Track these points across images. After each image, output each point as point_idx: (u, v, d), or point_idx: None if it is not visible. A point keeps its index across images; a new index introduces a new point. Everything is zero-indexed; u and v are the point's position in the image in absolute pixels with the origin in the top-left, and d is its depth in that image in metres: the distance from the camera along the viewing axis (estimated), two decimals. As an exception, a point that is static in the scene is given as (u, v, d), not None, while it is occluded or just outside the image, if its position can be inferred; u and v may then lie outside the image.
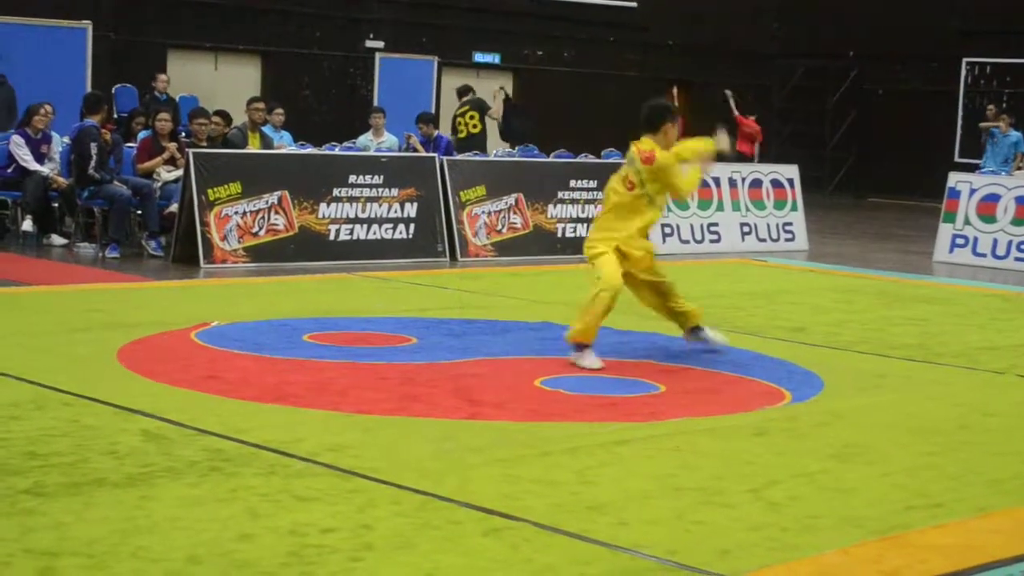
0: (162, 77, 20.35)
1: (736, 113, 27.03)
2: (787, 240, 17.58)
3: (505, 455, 6.12)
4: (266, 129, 15.53)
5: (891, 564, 4.85)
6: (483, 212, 15.02)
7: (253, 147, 14.60)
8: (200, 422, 6.49)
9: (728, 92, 25.98)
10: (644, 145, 8.63)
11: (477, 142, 18.41)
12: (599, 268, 8.49)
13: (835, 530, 5.22)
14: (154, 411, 6.67)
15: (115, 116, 19.59)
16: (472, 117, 18.73)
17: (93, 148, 13.55)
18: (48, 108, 15.05)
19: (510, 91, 19.28)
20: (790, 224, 17.75)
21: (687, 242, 16.70)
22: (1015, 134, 21.49)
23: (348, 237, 14.02)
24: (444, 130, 19.26)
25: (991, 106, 22.43)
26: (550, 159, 17.73)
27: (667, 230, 16.26)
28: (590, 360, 8.36)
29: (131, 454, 5.87)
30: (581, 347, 8.43)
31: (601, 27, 29.15)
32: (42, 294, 10.84)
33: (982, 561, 4.92)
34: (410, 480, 5.60)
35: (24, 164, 14.33)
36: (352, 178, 14.10)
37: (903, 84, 31.29)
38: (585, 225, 15.84)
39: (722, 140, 9.08)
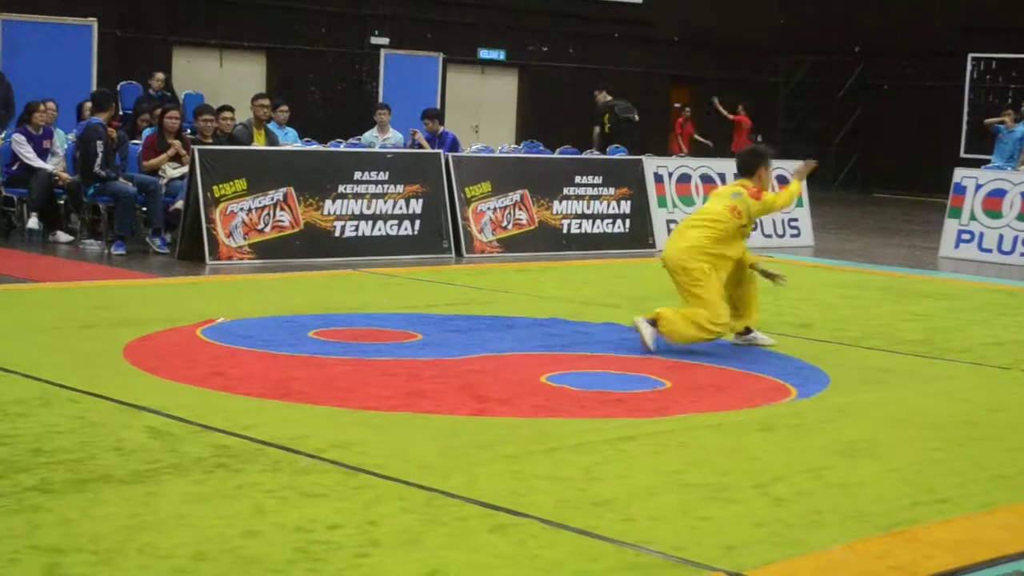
0: (158, 75, 20.29)
1: (730, 116, 27.09)
2: (793, 236, 17.55)
3: (511, 451, 6.13)
4: (271, 126, 15.52)
5: (897, 560, 4.85)
6: (489, 208, 15.01)
7: (258, 144, 14.60)
8: (206, 419, 6.49)
9: (714, 99, 26.41)
10: (749, 184, 9.22)
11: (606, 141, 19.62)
12: (709, 301, 8.75)
13: (841, 526, 5.22)
14: (160, 408, 6.68)
15: (120, 113, 19.59)
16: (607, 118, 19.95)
17: (99, 145, 13.54)
18: (51, 105, 15.06)
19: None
20: (796, 220, 17.71)
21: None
22: (1021, 129, 21.41)
23: (353, 233, 14.02)
24: (449, 126, 19.25)
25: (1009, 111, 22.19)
26: (555, 155, 17.76)
27: (673, 227, 16.22)
28: (649, 333, 8.74)
29: (137, 451, 5.88)
30: (654, 323, 8.78)
31: (606, 23, 29.12)
32: (48, 291, 10.85)
33: (988, 557, 4.92)
34: (416, 476, 5.61)
35: (28, 162, 14.35)
36: (357, 175, 14.10)
37: (909, 79, 31.26)
38: (590, 221, 15.86)
39: (800, 172, 10.25)
